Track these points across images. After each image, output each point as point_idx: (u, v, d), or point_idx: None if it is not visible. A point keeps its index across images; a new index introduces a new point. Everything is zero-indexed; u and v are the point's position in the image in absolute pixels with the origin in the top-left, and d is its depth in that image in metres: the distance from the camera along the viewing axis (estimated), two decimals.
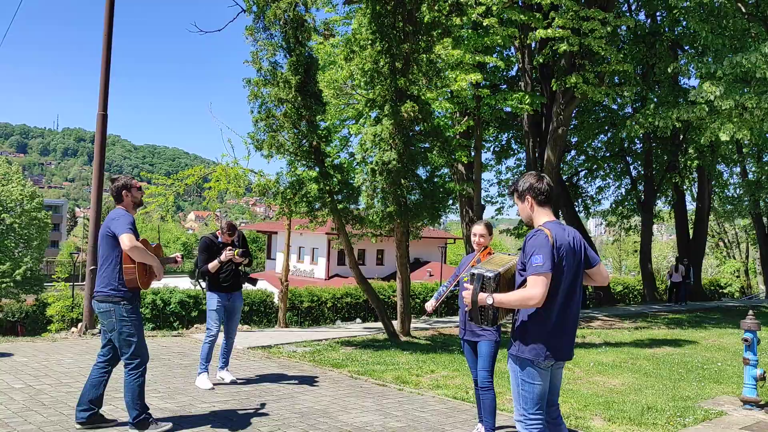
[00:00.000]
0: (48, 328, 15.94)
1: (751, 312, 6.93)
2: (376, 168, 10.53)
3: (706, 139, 14.63)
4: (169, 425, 5.17)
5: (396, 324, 12.10)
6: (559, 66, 17.43)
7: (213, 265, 6.79)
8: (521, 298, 3.41)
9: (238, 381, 7.17)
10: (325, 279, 34.02)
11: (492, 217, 26.77)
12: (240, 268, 7.10)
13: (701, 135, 15.21)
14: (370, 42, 10.69)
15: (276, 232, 38.43)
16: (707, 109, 13.87)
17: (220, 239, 7.01)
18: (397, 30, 10.61)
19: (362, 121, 14.73)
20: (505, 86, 19.31)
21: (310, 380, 7.46)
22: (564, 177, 24.68)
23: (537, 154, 18.97)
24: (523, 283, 3.52)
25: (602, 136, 25.50)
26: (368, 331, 12.69)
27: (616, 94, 16.86)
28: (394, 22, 10.59)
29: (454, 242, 43.83)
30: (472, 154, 17.07)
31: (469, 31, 15.04)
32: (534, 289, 3.37)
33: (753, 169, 27.49)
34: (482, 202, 18.48)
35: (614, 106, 22.08)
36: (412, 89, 10.78)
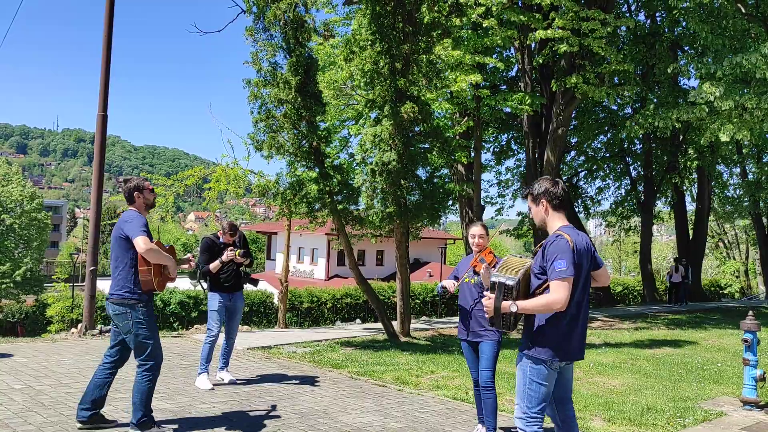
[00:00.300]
0: (48, 328, 15.90)
1: (751, 313, 6.93)
2: (375, 168, 10.53)
3: (706, 140, 14.62)
4: (171, 429, 5.16)
5: (396, 325, 12.10)
6: (559, 66, 17.43)
7: (214, 266, 6.80)
8: (546, 304, 3.49)
9: (238, 381, 7.17)
10: (325, 279, 34.02)
11: (492, 218, 26.80)
12: (241, 268, 7.12)
13: (701, 135, 15.20)
14: (369, 43, 10.69)
15: (276, 233, 38.45)
16: (707, 110, 13.87)
17: (221, 240, 7.03)
18: (396, 31, 10.62)
19: (362, 121, 14.74)
20: (504, 87, 19.30)
21: (310, 381, 7.46)
22: (564, 177, 24.67)
23: (537, 155, 18.97)
24: (540, 286, 3.59)
25: (602, 136, 25.49)
26: (368, 331, 12.69)
27: (617, 95, 16.86)
28: (394, 22, 10.59)
29: (454, 243, 43.84)
30: (472, 154, 17.07)
31: (469, 31, 15.04)
32: (558, 294, 3.46)
33: (753, 169, 27.48)
34: (482, 203, 18.48)
35: (614, 107, 22.07)
36: (412, 90, 10.78)
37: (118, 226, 5.02)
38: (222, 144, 55.10)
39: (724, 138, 13.67)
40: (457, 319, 6.29)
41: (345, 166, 12.36)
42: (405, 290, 12.05)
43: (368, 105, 11.25)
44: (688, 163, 25.35)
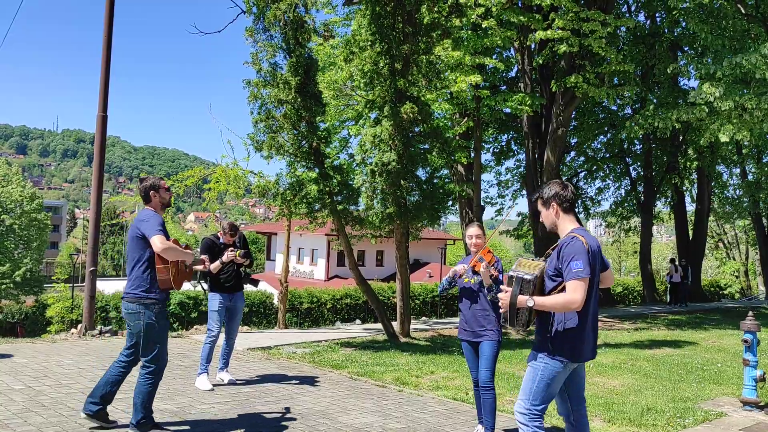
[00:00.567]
0: (48, 329, 15.92)
1: (750, 313, 6.93)
2: (375, 169, 10.53)
3: (706, 140, 14.63)
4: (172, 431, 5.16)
5: (396, 325, 12.10)
6: (558, 67, 17.44)
7: (215, 266, 6.80)
8: (564, 303, 3.53)
9: (238, 382, 7.17)
10: (325, 280, 34.02)
11: (492, 218, 26.77)
12: (241, 269, 7.12)
13: (701, 136, 15.21)
14: (369, 43, 10.69)
15: (276, 234, 38.44)
16: (707, 110, 13.87)
17: (221, 240, 7.03)
18: (396, 31, 10.62)
19: (362, 122, 14.73)
20: (504, 87, 19.30)
21: (309, 381, 7.46)
22: (564, 178, 24.67)
23: (537, 155, 18.97)
24: (555, 288, 3.62)
25: (602, 137, 25.50)
26: (368, 332, 12.69)
27: (616, 95, 16.87)
28: (394, 23, 10.59)
29: (454, 243, 43.83)
30: (472, 155, 17.07)
31: (469, 32, 15.04)
32: (575, 294, 3.50)
33: (753, 170, 27.49)
34: (482, 203, 18.48)
35: (614, 107, 22.08)
36: (412, 90, 10.78)
37: (134, 225, 5.02)
38: (222, 144, 54.80)
39: (723, 138, 13.67)
40: (456, 319, 6.30)
41: (345, 167, 12.36)
42: (405, 291, 12.05)
43: (368, 105, 11.26)
44: (688, 163, 25.36)
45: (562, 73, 16.87)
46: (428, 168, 12.00)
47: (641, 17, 23.28)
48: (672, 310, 20.80)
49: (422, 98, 11.15)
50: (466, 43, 14.49)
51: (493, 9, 14.87)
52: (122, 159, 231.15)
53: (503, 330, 6.52)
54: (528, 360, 3.80)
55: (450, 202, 15.13)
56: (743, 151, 26.32)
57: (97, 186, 11.53)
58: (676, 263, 23.05)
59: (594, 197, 27.37)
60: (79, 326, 11.08)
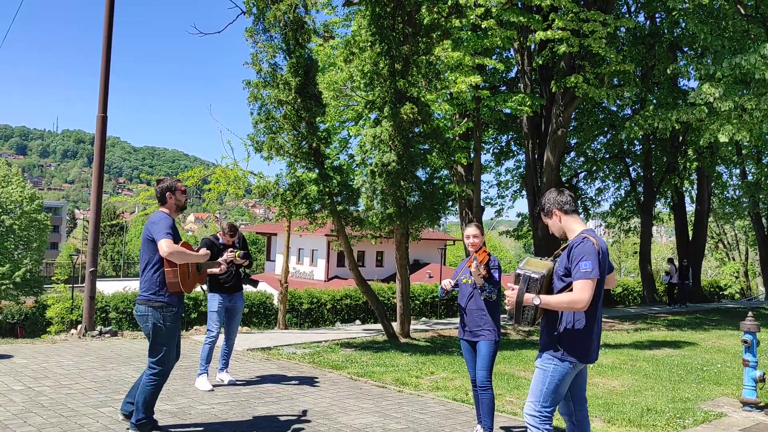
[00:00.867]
0: (47, 330, 15.91)
1: (750, 313, 6.94)
2: (375, 169, 10.53)
3: (706, 141, 14.63)
4: None
5: (395, 326, 12.10)
6: (558, 67, 17.44)
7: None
8: (570, 302, 3.53)
9: (238, 383, 7.17)
10: (325, 280, 34.01)
11: (491, 219, 26.78)
12: (241, 269, 7.12)
13: (700, 136, 15.21)
14: (369, 44, 10.69)
15: (275, 234, 38.43)
16: (706, 111, 13.88)
17: (221, 241, 7.03)
18: (396, 32, 10.62)
19: (362, 122, 14.74)
20: (504, 88, 19.29)
21: (309, 382, 7.46)
22: (563, 178, 24.68)
23: (536, 156, 18.97)
24: (565, 288, 3.63)
25: (602, 137, 25.49)
26: (368, 332, 12.69)
27: (616, 96, 16.87)
28: (394, 23, 10.60)
29: (454, 244, 43.84)
30: (472, 155, 17.07)
31: (469, 33, 15.04)
32: (582, 294, 3.50)
33: (752, 170, 27.49)
34: (482, 204, 18.48)
35: (614, 108, 22.09)
36: (412, 91, 10.78)
37: (146, 227, 5.02)
38: (222, 145, 54.73)
39: (723, 139, 13.68)
40: (456, 320, 6.30)
41: (345, 167, 12.36)
42: (405, 291, 12.05)
43: (368, 106, 11.25)
44: (688, 164, 25.34)
45: (561, 73, 16.87)
46: (428, 168, 11.99)
47: (641, 18, 23.29)
48: (672, 310, 20.79)
49: (422, 99, 11.15)
50: (465, 44, 14.49)
51: (493, 9, 14.88)
52: (122, 159, 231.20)
53: (502, 330, 6.50)
54: (536, 361, 3.82)
55: (450, 203, 15.11)
56: (743, 151, 26.33)
57: (96, 186, 11.53)
58: (675, 263, 23.03)
59: (594, 198, 27.37)
60: (79, 327, 11.08)
